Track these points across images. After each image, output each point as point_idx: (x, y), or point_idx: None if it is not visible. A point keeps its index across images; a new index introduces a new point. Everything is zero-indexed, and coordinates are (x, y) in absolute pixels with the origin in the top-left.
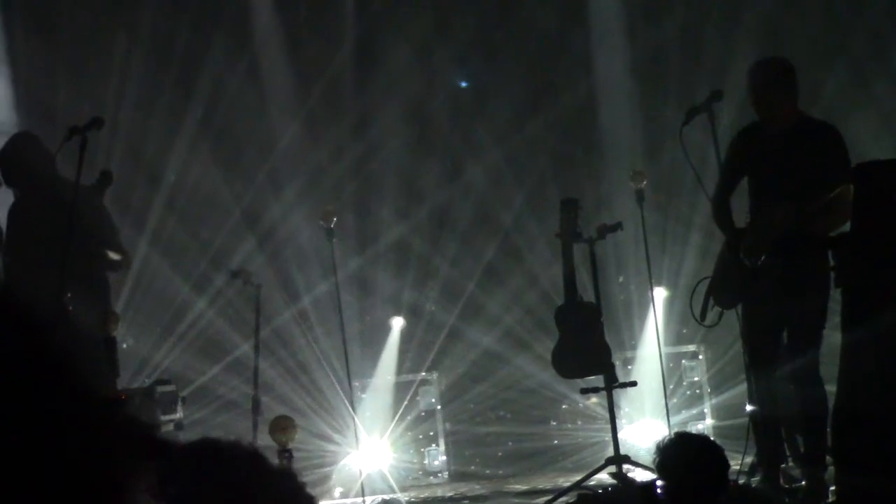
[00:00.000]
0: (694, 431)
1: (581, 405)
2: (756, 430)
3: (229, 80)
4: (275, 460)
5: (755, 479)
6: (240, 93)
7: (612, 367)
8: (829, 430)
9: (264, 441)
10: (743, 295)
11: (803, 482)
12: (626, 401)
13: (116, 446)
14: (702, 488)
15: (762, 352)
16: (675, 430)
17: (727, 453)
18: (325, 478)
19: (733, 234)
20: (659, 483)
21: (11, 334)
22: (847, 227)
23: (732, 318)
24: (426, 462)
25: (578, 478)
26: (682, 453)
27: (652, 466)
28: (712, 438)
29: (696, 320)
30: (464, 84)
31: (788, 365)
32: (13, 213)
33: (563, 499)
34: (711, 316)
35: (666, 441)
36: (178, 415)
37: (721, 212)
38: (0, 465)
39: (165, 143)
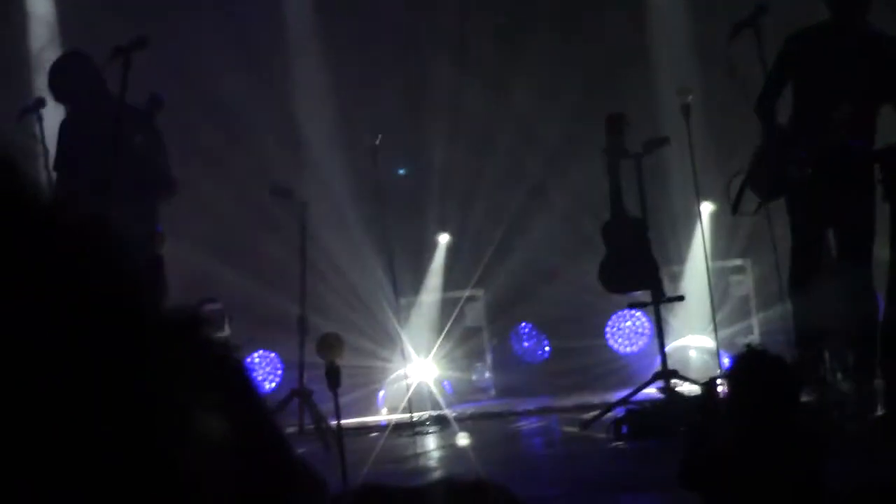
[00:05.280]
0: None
1: (628, 320)
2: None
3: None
4: (323, 377)
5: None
6: (287, 13)
7: (660, 281)
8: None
9: (311, 358)
10: (791, 209)
11: (852, 396)
12: (673, 315)
13: (196, 367)
14: (775, 406)
15: (806, 265)
16: (747, 345)
17: None
18: (373, 395)
19: (774, 129)
20: (720, 385)
21: (86, 248)
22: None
23: (778, 232)
24: (473, 378)
25: (626, 392)
26: (757, 369)
27: (698, 380)
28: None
29: (733, 212)
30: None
31: (839, 279)
32: (63, 129)
33: (611, 413)
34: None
35: (739, 357)
36: (226, 333)
37: (766, 109)
38: (75, 386)
39: (210, 60)
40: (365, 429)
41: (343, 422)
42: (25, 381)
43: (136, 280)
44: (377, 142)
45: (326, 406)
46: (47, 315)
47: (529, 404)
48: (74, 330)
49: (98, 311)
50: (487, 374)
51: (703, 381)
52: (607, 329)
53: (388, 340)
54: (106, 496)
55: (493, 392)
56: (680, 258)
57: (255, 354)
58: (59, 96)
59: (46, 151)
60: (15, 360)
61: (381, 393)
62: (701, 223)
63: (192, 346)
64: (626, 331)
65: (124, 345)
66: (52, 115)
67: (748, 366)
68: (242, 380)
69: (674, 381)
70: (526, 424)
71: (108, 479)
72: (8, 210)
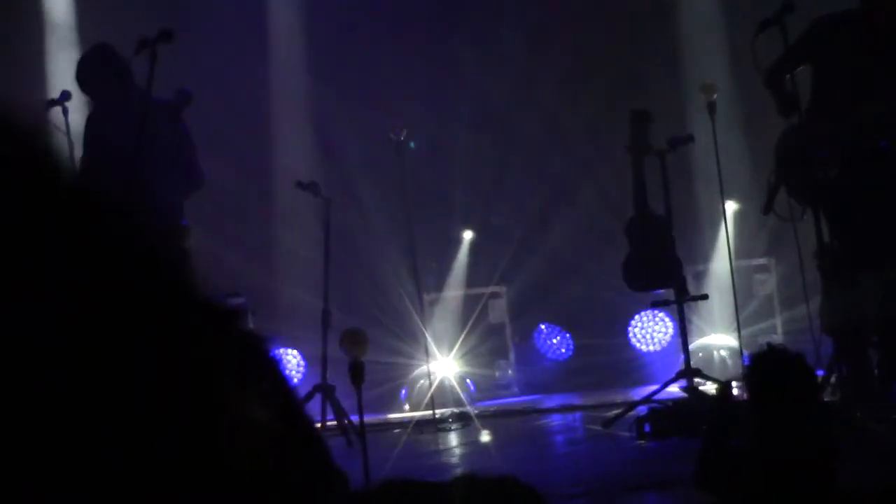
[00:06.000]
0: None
1: (652, 316)
2: (839, 346)
3: None
4: (347, 372)
5: (825, 394)
6: (310, 3)
7: (683, 279)
8: None
9: (334, 353)
10: (816, 209)
11: (876, 396)
12: (697, 314)
13: (233, 358)
14: (790, 408)
15: (838, 266)
16: (767, 343)
17: None
18: (396, 391)
19: (789, 104)
20: (735, 386)
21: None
22: None
23: (802, 231)
24: (496, 375)
25: (649, 391)
26: (773, 371)
27: (721, 379)
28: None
29: (781, 217)
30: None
31: (866, 279)
32: (89, 123)
33: (634, 412)
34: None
35: (757, 355)
36: (250, 327)
37: (778, 79)
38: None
39: (231, 53)
40: (387, 425)
41: (366, 418)
42: (69, 369)
43: (177, 264)
44: (402, 137)
45: (349, 402)
46: (93, 300)
47: (552, 402)
48: (124, 313)
49: (146, 294)
50: (510, 372)
51: (723, 380)
52: (630, 328)
53: (411, 337)
54: (156, 479)
55: (515, 389)
56: (704, 257)
57: (277, 351)
58: (86, 89)
59: (72, 145)
60: (63, 344)
61: (404, 389)
62: (725, 221)
63: (233, 337)
64: (649, 330)
65: (174, 330)
66: (77, 108)
67: (767, 364)
68: (276, 372)
69: (697, 380)
70: (548, 422)
71: (154, 463)
72: (54, 189)
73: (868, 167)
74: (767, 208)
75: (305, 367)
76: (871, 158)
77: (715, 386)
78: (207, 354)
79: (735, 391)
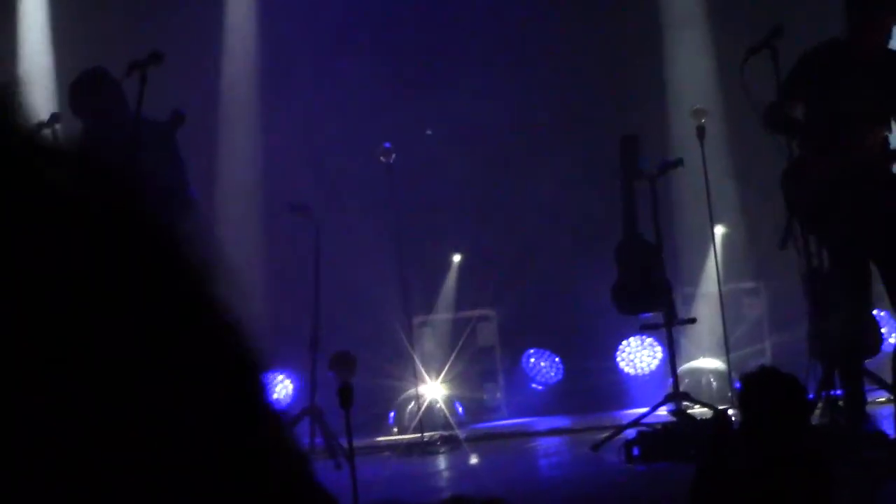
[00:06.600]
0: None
1: (640, 342)
2: (828, 371)
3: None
4: (335, 395)
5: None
6: (295, 25)
7: (672, 303)
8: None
9: (323, 376)
10: (805, 232)
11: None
12: (686, 338)
13: (230, 366)
14: (784, 428)
15: (831, 289)
16: (761, 365)
17: None
18: (384, 414)
19: (799, 127)
20: (732, 413)
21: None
22: None
23: (791, 254)
24: (485, 398)
25: (638, 415)
26: (767, 390)
27: (710, 403)
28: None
29: (798, 251)
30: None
31: (859, 303)
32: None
33: (623, 435)
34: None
35: (751, 375)
36: None
37: (779, 117)
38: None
39: (220, 75)
40: (376, 448)
41: (354, 441)
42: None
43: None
44: (391, 160)
45: (337, 425)
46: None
47: (541, 425)
48: (124, 313)
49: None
50: (499, 395)
51: (714, 404)
52: (618, 353)
53: (399, 360)
54: (147, 492)
55: (504, 412)
56: (693, 280)
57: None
58: (80, 113)
59: None
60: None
61: (392, 412)
62: (714, 245)
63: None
64: (637, 355)
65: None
66: (67, 131)
67: (760, 384)
68: (264, 393)
69: (685, 403)
70: (537, 445)
71: (144, 476)
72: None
73: (865, 193)
74: (784, 242)
75: (294, 389)
76: (869, 184)
77: (711, 411)
78: (203, 367)
79: (731, 417)
